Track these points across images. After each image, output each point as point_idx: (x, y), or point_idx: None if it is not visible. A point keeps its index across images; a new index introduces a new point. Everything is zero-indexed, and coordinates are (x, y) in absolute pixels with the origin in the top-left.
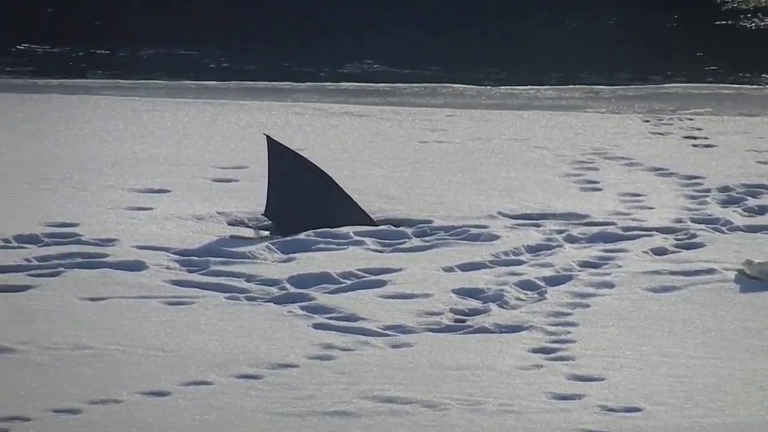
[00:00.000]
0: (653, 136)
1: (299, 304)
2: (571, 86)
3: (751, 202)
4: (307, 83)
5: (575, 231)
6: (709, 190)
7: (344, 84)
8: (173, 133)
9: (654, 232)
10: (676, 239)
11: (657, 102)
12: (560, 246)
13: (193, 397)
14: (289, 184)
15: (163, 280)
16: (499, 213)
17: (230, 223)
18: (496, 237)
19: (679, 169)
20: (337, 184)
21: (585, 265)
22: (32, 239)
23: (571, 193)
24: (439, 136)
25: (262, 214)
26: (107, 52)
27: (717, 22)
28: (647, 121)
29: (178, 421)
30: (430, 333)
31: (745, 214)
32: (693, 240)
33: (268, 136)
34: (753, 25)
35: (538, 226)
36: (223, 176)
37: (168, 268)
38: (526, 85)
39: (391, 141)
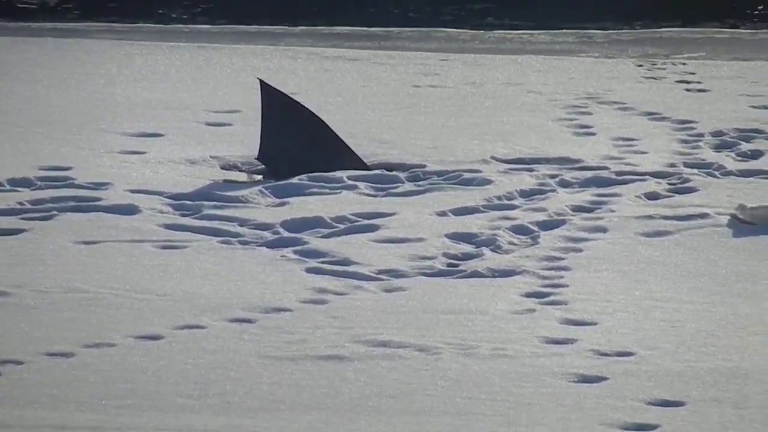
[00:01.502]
0: (646, 81)
1: (292, 248)
2: (565, 30)
3: (744, 146)
4: (301, 27)
5: (568, 175)
6: (702, 135)
7: (338, 28)
8: (166, 77)
9: (647, 177)
10: (669, 184)
11: (650, 46)
12: (553, 190)
13: (186, 341)
14: (283, 128)
15: (156, 224)
16: (493, 157)
17: (223, 167)
18: (490, 181)
19: (673, 113)
20: (330, 128)
21: (578, 209)
22: (25, 183)
23: (565, 137)
24: (433, 81)
25: (255, 159)
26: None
27: None
28: (641, 65)
29: (170, 364)
30: (423, 277)
31: (738, 158)
32: (686, 184)
33: (261, 81)
34: None
35: (531, 170)
36: (216, 120)
37: (161, 212)
38: (520, 29)
39: (384, 85)
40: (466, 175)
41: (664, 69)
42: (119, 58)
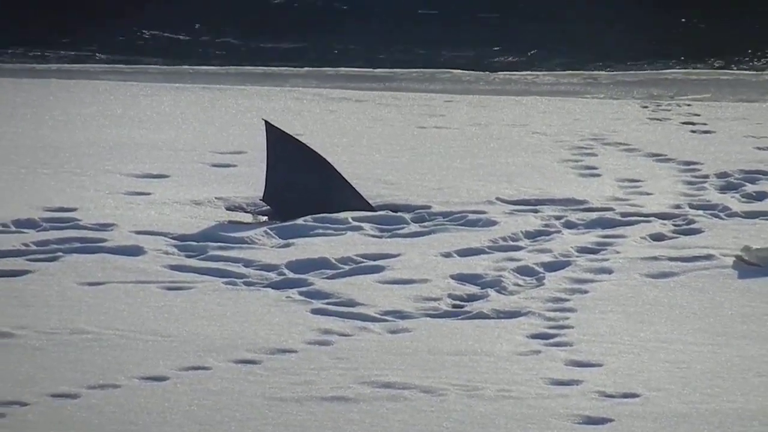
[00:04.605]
0: (652, 122)
1: (297, 289)
2: (570, 72)
3: (750, 188)
4: (306, 68)
5: (573, 217)
6: (707, 176)
7: (343, 69)
8: (171, 119)
9: (652, 218)
10: (675, 225)
11: (655, 88)
12: (558, 232)
13: (190, 382)
14: (288, 169)
15: (161, 265)
16: (498, 199)
17: (228, 209)
18: (495, 223)
19: (678, 154)
20: (335, 169)
21: (583, 250)
22: (30, 224)
23: (570, 178)
24: (438, 122)
25: (260, 200)
26: (105, 36)
27: (717, 9)
28: (646, 106)
29: (175, 406)
30: (428, 318)
31: (744, 200)
32: (691, 226)
33: (266, 121)
34: (753, 10)
35: (536, 211)
36: (221, 161)
37: (166, 253)
38: (525, 70)
39: (389, 126)
40: (471, 216)
41: (669, 110)
42: (124, 99)
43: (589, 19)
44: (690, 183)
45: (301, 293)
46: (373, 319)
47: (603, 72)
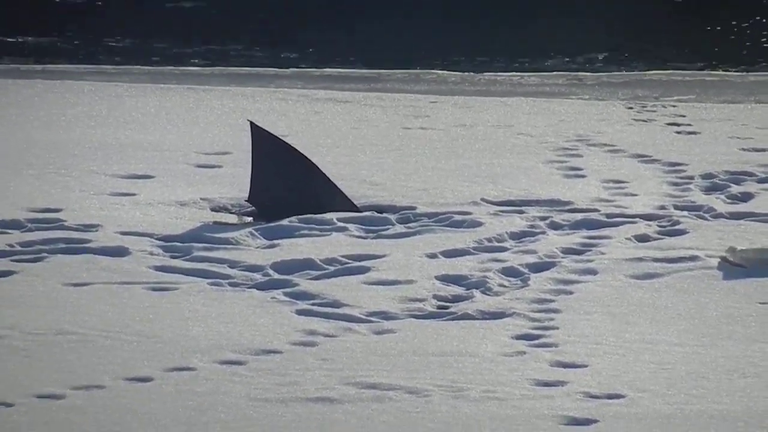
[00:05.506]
0: (637, 123)
1: (282, 290)
2: (555, 73)
3: (735, 189)
4: (291, 69)
5: (558, 218)
6: (692, 177)
7: (328, 70)
8: (157, 119)
9: (637, 219)
10: (659, 226)
11: (640, 89)
12: (543, 233)
13: (176, 383)
14: (273, 170)
15: (146, 266)
16: (483, 199)
17: (213, 209)
18: (480, 223)
19: (663, 155)
20: (320, 170)
21: (568, 251)
22: (15, 225)
23: (555, 179)
24: (423, 123)
25: (245, 200)
26: (91, 38)
27: (702, 10)
28: (631, 107)
29: (160, 406)
30: (413, 319)
31: (729, 201)
32: (676, 227)
33: (251, 122)
34: (737, 12)
35: (521, 212)
36: (206, 162)
37: (151, 254)
38: (510, 71)
39: (374, 127)
40: (457, 217)
41: (654, 111)
42: (109, 100)
43: (575, 21)
44: (675, 184)
45: (286, 294)
46: (358, 320)
47: (588, 73)
